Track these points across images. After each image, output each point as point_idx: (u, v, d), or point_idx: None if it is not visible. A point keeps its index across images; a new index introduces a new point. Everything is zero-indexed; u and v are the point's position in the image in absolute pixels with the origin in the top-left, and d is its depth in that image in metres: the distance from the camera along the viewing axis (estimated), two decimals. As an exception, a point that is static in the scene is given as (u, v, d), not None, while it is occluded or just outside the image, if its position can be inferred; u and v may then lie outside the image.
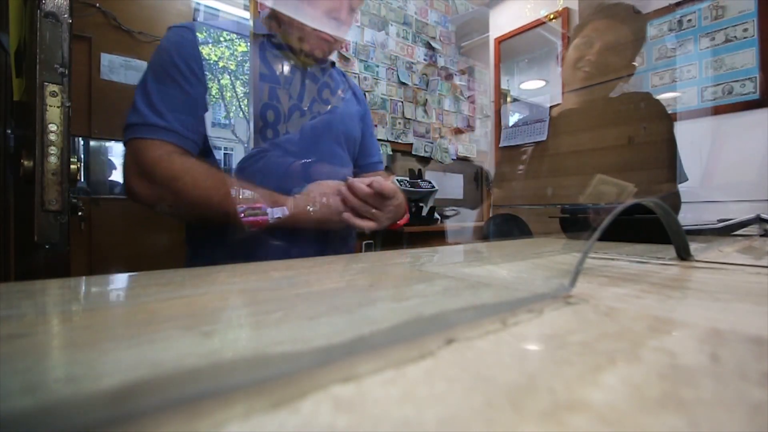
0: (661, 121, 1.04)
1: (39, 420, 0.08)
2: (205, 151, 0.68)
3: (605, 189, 0.94)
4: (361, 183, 0.63)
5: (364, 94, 1.03)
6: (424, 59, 2.85)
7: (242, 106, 0.76)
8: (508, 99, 2.64)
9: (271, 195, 0.62)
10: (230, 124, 0.78)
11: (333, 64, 0.84)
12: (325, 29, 0.72)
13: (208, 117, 0.67)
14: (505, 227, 1.20)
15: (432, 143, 2.76)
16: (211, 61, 0.70)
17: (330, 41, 0.74)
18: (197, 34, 0.68)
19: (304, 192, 0.65)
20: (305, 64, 0.75)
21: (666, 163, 1.01)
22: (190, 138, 0.64)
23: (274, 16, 0.74)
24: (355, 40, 2.46)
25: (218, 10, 1.90)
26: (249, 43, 0.73)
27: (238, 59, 0.76)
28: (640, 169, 1.02)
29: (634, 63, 1.15)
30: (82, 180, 1.47)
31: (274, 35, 0.72)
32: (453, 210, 2.49)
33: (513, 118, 2.49)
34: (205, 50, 0.69)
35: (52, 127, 0.69)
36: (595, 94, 1.16)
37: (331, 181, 0.67)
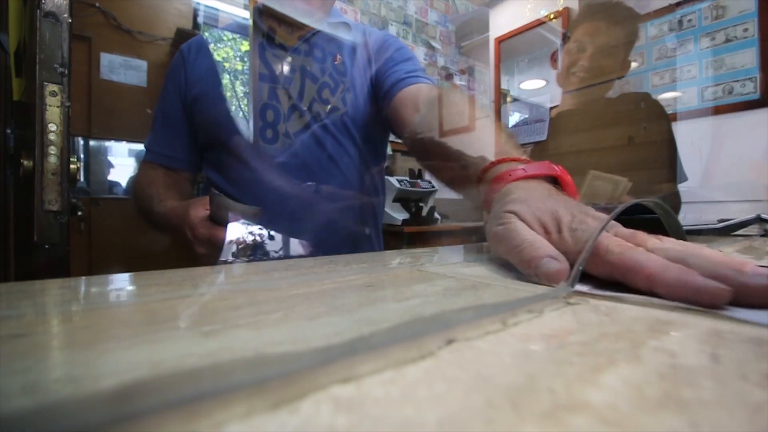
0: (660, 121, 1.04)
1: (39, 420, 0.08)
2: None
3: (599, 185, 0.94)
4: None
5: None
6: (424, 59, 2.85)
7: (242, 106, 0.75)
8: (508, 99, 2.64)
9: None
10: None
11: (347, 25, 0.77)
12: None
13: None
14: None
15: (432, 143, 2.75)
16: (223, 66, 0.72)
17: None
18: (206, 45, 0.72)
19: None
20: (301, 30, 0.70)
21: (666, 163, 1.01)
22: (173, 156, 0.71)
23: None
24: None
25: (218, 10, 1.90)
26: (249, 39, 0.71)
27: (240, 56, 0.76)
28: (640, 169, 1.02)
29: (632, 60, 1.14)
30: (82, 180, 1.47)
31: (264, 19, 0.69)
32: (439, 215, 2.29)
33: (513, 118, 2.49)
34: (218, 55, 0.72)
35: (52, 127, 0.69)
36: (590, 96, 1.16)
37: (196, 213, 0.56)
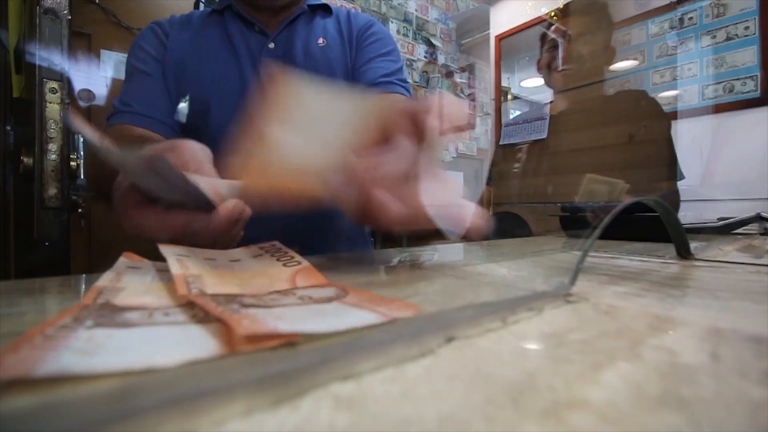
0: (659, 119, 1.04)
1: (39, 419, 0.08)
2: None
3: (596, 187, 0.94)
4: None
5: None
6: (425, 57, 2.85)
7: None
8: (509, 97, 2.64)
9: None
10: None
11: (327, 8, 0.70)
12: None
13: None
14: (505, 225, 1.20)
15: (432, 141, 2.75)
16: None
17: None
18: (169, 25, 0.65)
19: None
20: (279, 15, 0.65)
21: (665, 161, 1.01)
22: (153, 117, 0.59)
23: None
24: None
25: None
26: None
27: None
28: (639, 168, 1.02)
29: (611, 45, 1.16)
30: (82, 177, 1.47)
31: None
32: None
33: (513, 116, 2.49)
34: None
35: (52, 124, 0.68)
36: (588, 94, 1.16)
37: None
